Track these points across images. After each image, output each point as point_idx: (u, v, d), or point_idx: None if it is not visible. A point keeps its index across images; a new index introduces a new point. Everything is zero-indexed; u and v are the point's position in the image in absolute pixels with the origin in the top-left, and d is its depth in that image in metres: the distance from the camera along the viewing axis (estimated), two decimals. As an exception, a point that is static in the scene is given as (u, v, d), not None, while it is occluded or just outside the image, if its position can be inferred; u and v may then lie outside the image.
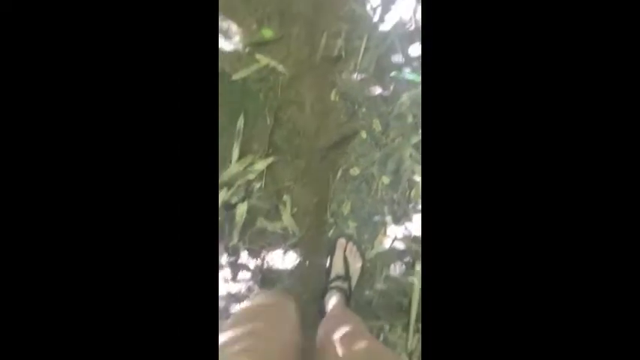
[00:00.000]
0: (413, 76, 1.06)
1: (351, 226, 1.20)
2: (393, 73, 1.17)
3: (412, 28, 1.21)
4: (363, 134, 1.22)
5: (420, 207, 1.22)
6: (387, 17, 1.21)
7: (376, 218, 1.21)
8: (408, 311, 1.16)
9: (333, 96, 1.20)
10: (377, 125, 1.22)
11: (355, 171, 1.22)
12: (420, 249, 1.19)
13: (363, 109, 1.21)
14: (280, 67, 1.06)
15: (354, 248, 1.18)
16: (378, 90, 1.22)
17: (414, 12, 1.20)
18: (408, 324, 1.15)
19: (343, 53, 1.20)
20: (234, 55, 1.07)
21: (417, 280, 1.17)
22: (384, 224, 1.21)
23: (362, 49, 1.22)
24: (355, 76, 1.21)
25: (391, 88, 1.22)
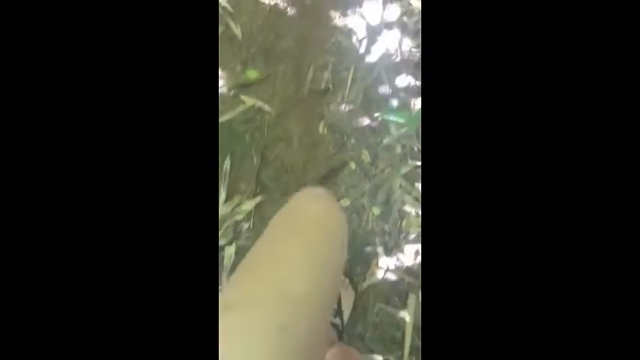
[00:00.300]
0: (397, 117, 1.06)
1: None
2: (377, 114, 1.18)
3: (398, 59, 1.21)
4: (352, 165, 1.22)
5: (411, 237, 1.22)
6: (372, 49, 1.22)
7: (368, 250, 1.21)
8: (401, 344, 1.15)
9: (321, 128, 1.20)
10: (366, 156, 1.22)
11: (345, 202, 1.22)
12: (412, 280, 1.19)
13: (352, 141, 1.22)
14: (266, 107, 1.07)
15: (347, 281, 1.18)
16: (366, 121, 1.22)
17: (400, 44, 1.21)
18: (401, 357, 1.14)
19: (330, 86, 1.20)
20: (219, 98, 1.08)
21: (409, 313, 1.16)
22: (376, 256, 1.21)
23: (349, 81, 1.22)
24: (343, 107, 1.22)
25: (379, 119, 1.22)
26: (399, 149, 1.22)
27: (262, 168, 1.05)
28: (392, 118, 1.07)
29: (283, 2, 1.08)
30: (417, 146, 1.22)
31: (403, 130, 1.22)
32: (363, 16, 1.21)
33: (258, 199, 1.03)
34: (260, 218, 1.03)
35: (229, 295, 0.37)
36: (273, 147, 1.07)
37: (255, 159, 1.04)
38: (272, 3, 1.07)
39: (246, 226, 1.03)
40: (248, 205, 1.03)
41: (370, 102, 1.22)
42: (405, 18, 1.19)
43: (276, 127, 1.08)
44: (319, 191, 0.53)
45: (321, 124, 1.19)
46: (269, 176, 1.06)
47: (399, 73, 1.22)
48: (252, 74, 1.04)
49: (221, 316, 0.35)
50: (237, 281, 0.40)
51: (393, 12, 1.19)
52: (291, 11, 1.09)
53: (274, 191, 1.06)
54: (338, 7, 1.19)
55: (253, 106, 1.05)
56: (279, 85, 1.09)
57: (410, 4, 1.17)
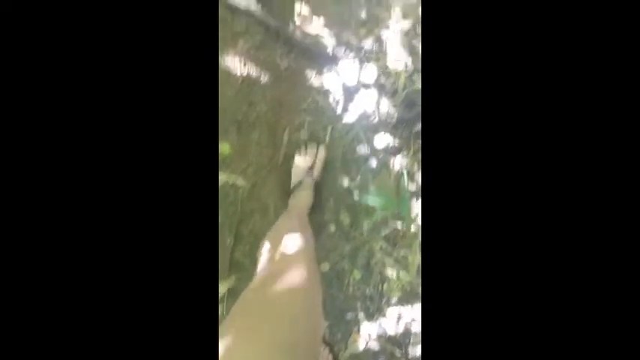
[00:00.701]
0: (375, 200, 1.03)
1: (323, 325, 1.16)
2: (355, 197, 1.14)
3: (376, 120, 1.19)
4: (332, 228, 1.18)
5: (393, 301, 1.18)
6: (350, 109, 1.19)
7: (349, 316, 1.17)
8: (385, 418, 1.11)
9: (298, 191, 1.16)
10: (345, 218, 1.19)
11: (325, 266, 1.18)
12: (394, 349, 1.15)
13: (331, 202, 1.18)
14: (240, 180, 1.02)
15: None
16: (345, 181, 1.19)
17: (378, 104, 1.18)
18: None
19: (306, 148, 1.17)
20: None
21: (392, 384, 1.13)
22: (357, 322, 1.17)
23: (327, 140, 1.19)
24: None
25: (358, 179, 1.19)
26: (378, 211, 1.19)
27: (236, 246, 1.00)
28: (370, 201, 1.04)
29: (256, 70, 1.05)
30: (397, 210, 1.19)
31: (382, 181, 1.19)
32: (339, 77, 1.19)
33: (231, 280, 0.98)
34: (234, 299, 0.97)
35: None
36: (247, 221, 1.03)
37: (228, 239, 1.00)
38: (244, 74, 1.04)
39: (219, 310, 0.98)
40: (221, 289, 0.98)
41: (348, 162, 1.19)
42: (382, 79, 1.17)
43: (251, 199, 1.04)
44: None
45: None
46: (243, 253, 1.02)
47: (377, 133, 1.20)
48: (224, 149, 1.00)
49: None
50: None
51: (370, 73, 1.17)
52: (264, 78, 1.05)
53: (249, 267, 1.01)
54: (314, 67, 1.17)
55: (226, 182, 1.00)
56: (254, 153, 1.06)
57: (387, 67, 1.15)
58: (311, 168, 1.11)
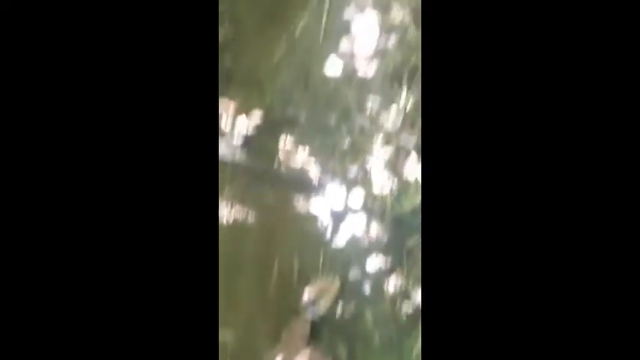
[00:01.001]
0: None
1: None
2: None
3: (366, 243, 1.18)
4: (329, 361, 1.12)
5: None
6: (339, 234, 1.19)
7: None
8: None
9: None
10: (342, 351, 1.13)
11: (324, 407, 1.10)
12: None
13: (326, 332, 1.13)
14: (228, 336, 0.98)
15: None
16: (338, 309, 1.15)
17: (368, 227, 1.18)
18: None
19: (295, 278, 1.14)
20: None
21: None
22: None
23: (320, 266, 1.17)
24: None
25: (352, 305, 1.16)
26: (376, 340, 1.14)
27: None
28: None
29: (243, 212, 1.05)
30: (395, 336, 1.15)
31: (379, 308, 1.16)
32: (326, 203, 1.20)
33: None
34: None
35: None
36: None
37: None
38: (230, 221, 1.04)
39: None
40: None
41: (342, 289, 1.16)
42: (369, 203, 1.18)
43: (240, 354, 0.99)
44: None
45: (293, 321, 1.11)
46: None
47: (369, 256, 1.18)
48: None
49: None
50: None
51: (357, 198, 1.19)
52: (251, 218, 1.05)
53: None
54: (300, 196, 1.18)
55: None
56: (243, 301, 1.02)
57: (372, 193, 1.17)
58: (318, 300, 1.08)
